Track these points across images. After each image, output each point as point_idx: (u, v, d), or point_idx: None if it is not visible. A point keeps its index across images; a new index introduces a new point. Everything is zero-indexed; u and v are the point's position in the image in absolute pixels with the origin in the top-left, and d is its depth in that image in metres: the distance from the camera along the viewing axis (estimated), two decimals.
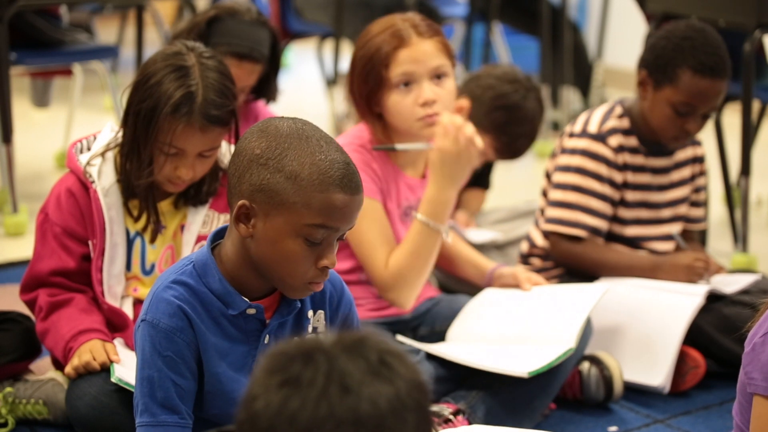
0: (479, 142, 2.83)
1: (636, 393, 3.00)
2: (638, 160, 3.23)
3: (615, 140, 3.19)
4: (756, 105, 4.37)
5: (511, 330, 2.89)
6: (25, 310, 2.82)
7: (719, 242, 4.20)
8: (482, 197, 4.02)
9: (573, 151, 3.22)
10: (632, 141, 3.22)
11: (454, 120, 2.80)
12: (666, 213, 3.28)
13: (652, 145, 3.24)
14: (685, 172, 3.32)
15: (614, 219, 3.24)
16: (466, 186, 3.90)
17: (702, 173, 3.35)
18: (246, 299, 2.07)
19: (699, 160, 3.34)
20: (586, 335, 2.89)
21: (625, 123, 3.22)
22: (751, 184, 4.01)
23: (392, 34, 2.83)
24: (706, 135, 4.64)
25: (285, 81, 3.67)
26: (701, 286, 3.08)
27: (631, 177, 3.22)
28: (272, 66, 3.43)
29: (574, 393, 2.96)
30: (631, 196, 3.23)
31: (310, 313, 2.15)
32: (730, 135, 4.42)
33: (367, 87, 2.85)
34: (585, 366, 2.94)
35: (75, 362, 2.58)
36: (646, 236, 3.26)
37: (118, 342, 2.66)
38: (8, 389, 2.72)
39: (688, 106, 3.09)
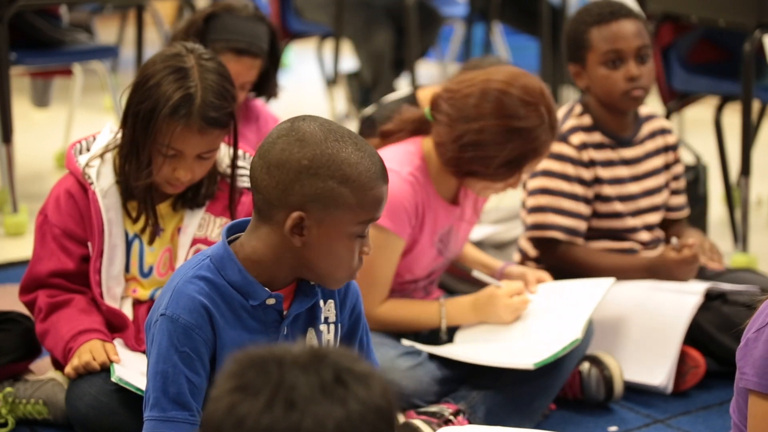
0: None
1: (636, 393, 3.00)
2: (606, 154, 3.22)
3: (577, 138, 3.19)
4: (756, 105, 4.36)
5: (518, 328, 2.88)
6: (25, 310, 2.82)
7: (719, 242, 4.17)
8: None
9: None
10: (596, 137, 3.22)
11: (526, 301, 2.90)
12: (643, 203, 3.27)
13: (616, 136, 3.24)
14: (658, 162, 3.31)
15: (609, 215, 3.23)
16: None
17: (677, 161, 3.35)
18: (267, 289, 2.08)
19: (671, 148, 3.34)
20: (587, 335, 2.88)
21: (586, 120, 3.22)
22: (751, 184, 4.01)
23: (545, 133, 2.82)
24: (706, 135, 4.65)
25: (285, 81, 3.66)
26: (700, 284, 3.08)
27: (603, 172, 3.21)
28: (272, 61, 3.42)
29: (575, 393, 2.96)
30: (609, 190, 3.22)
31: (321, 302, 2.17)
32: (730, 135, 4.42)
33: (503, 171, 2.83)
34: (585, 366, 2.94)
35: (75, 362, 2.58)
36: (627, 227, 3.25)
37: (118, 342, 2.65)
38: (8, 389, 2.72)
39: (612, 55, 3.13)
